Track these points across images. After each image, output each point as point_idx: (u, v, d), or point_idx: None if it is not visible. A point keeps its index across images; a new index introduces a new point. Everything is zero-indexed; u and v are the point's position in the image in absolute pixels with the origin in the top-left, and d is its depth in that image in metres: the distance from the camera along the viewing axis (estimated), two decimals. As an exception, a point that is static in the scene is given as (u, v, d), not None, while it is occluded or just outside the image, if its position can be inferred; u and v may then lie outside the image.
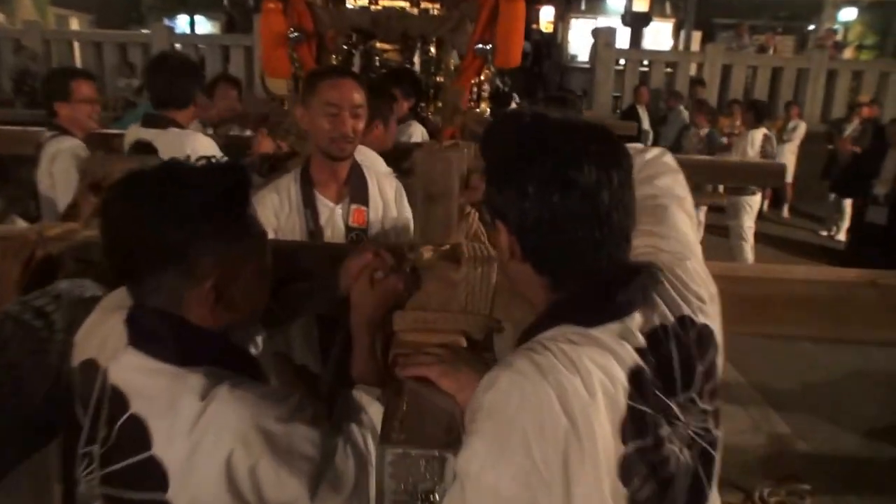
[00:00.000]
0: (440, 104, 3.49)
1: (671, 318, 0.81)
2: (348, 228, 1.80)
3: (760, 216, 8.14)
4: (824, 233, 7.44)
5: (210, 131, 3.35)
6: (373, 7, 3.49)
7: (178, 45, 9.34)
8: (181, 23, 14.69)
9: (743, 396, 3.56)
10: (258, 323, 1.11)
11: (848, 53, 12.77)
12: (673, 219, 0.97)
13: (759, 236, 6.95)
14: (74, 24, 14.01)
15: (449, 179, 1.22)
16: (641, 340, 0.78)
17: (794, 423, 3.33)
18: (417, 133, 3.15)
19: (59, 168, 2.44)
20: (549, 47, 11.36)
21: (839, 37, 13.24)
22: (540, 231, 0.80)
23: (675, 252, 0.91)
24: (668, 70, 9.67)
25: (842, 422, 3.32)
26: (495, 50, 3.10)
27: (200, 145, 2.32)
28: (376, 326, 1.14)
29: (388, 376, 1.15)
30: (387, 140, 2.67)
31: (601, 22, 13.57)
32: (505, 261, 0.89)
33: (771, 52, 11.32)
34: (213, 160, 0.97)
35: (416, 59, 3.54)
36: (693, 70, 9.47)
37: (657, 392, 0.76)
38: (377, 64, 3.53)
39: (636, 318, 0.79)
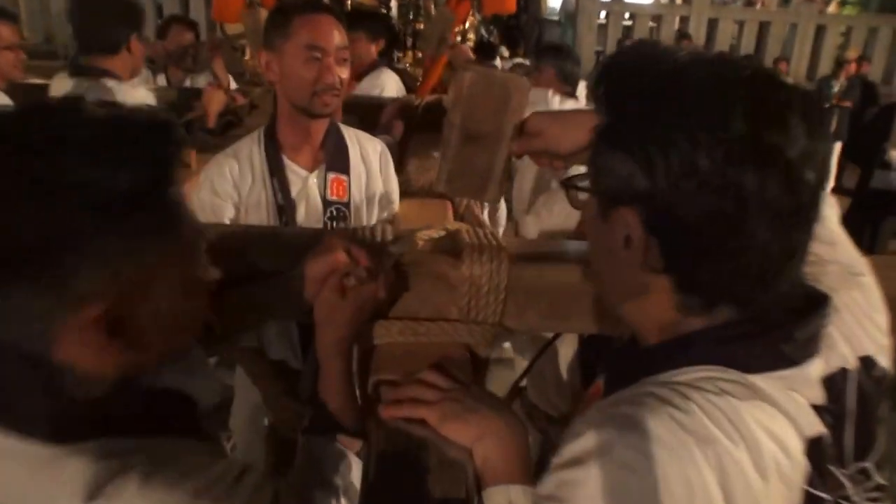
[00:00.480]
0: (419, 54, 3.13)
1: (852, 360, 0.57)
2: (326, 203, 1.47)
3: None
4: None
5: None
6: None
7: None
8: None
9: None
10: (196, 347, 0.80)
11: (832, 8, 12.50)
12: (830, 219, 0.68)
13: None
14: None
15: (503, 116, 0.89)
16: (820, 394, 0.53)
17: None
18: (391, 83, 2.76)
19: None
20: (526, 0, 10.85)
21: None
22: (704, 229, 0.51)
23: (846, 264, 0.64)
24: (652, 24, 9.31)
25: None
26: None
27: (138, 100, 1.96)
28: (350, 348, 0.84)
29: (366, 412, 0.86)
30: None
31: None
32: (607, 264, 0.63)
33: (758, 6, 10.99)
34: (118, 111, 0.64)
35: (393, 2, 3.15)
36: (677, 24, 9.14)
37: (831, 466, 0.53)
38: (347, 6, 3.13)
39: (815, 363, 0.54)
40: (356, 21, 2.78)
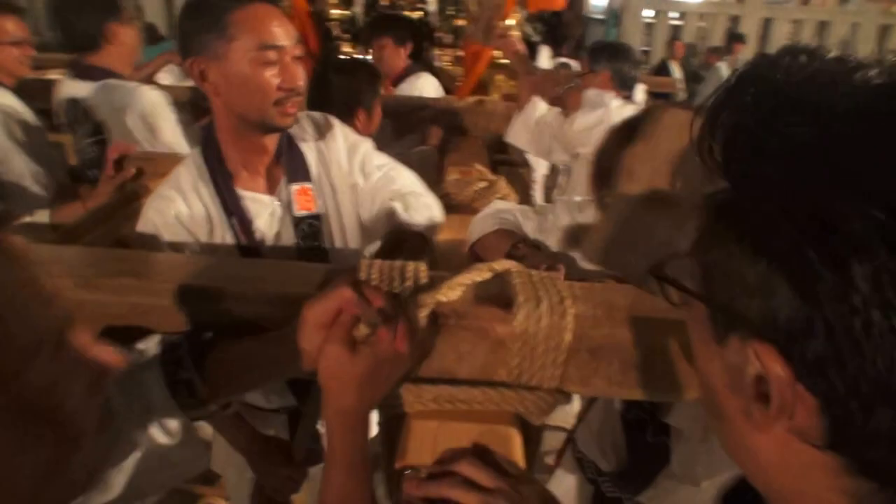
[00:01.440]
0: (459, 52, 2.96)
1: None
2: (295, 222, 1.19)
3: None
4: None
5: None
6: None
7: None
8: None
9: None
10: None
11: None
12: None
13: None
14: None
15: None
16: None
17: None
18: (429, 87, 2.57)
19: None
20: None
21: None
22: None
23: None
24: (701, 24, 8.95)
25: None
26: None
27: (146, 103, 1.80)
28: (365, 421, 0.67)
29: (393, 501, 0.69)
30: (369, 132, 1.91)
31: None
32: (718, 399, 0.42)
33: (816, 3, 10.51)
34: None
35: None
36: (726, 24, 8.78)
37: None
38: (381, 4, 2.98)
39: None
40: (380, 26, 2.62)
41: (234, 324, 0.73)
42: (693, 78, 7.72)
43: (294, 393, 1.28)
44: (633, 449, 1.17)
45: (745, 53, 8.13)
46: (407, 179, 1.32)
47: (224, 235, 1.15)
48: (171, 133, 1.84)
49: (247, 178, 1.17)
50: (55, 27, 1.89)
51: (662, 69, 7.24)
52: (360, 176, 1.26)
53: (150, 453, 0.66)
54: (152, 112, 1.81)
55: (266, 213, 1.17)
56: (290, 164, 1.19)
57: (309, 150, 1.22)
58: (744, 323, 0.37)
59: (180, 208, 1.13)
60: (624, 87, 2.26)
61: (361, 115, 1.81)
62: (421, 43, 2.73)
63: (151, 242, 1.11)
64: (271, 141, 1.17)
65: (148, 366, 0.69)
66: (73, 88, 1.86)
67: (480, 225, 1.24)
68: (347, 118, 1.83)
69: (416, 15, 2.98)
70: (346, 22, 2.99)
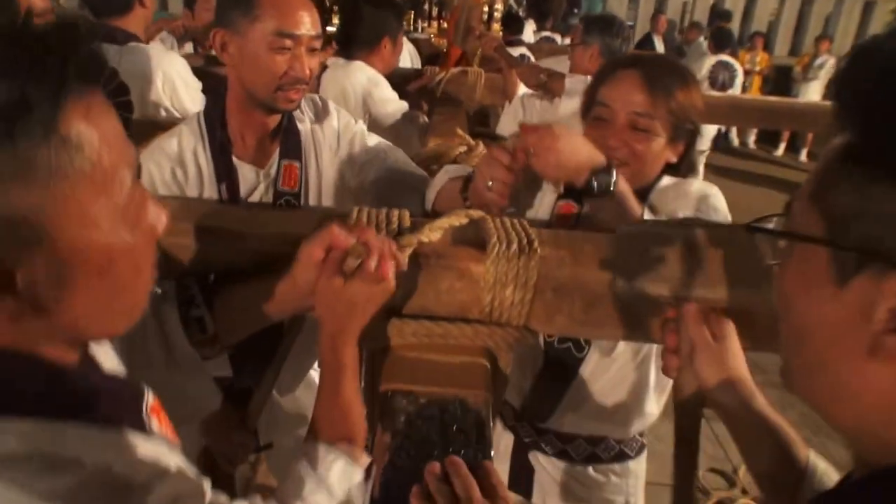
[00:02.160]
0: (444, 24, 2.98)
1: None
2: (276, 194, 1.24)
3: (774, 159, 7.76)
4: None
5: (189, 48, 2.85)
6: None
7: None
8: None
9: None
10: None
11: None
12: None
13: (769, 180, 6.60)
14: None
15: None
16: None
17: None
18: (403, 54, 2.59)
19: None
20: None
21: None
22: None
23: None
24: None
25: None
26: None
27: (172, 68, 1.85)
28: (356, 347, 0.74)
29: (373, 422, 0.77)
30: (393, 61, 2.22)
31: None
32: (830, 348, 0.46)
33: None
34: None
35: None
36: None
37: None
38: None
39: None
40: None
41: (240, 266, 0.80)
42: (677, 53, 7.77)
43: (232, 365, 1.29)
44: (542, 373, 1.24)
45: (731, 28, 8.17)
46: (399, 157, 1.36)
47: (210, 195, 1.20)
48: (190, 101, 1.88)
49: (242, 148, 1.22)
50: None
51: (646, 42, 7.28)
52: (349, 152, 1.32)
53: (168, 384, 0.73)
54: (177, 78, 1.85)
55: (252, 183, 1.22)
56: (285, 142, 1.25)
57: (305, 130, 1.28)
58: (882, 258, 0.41)
59: (177, 166, 1.18)
60: None
61: (387, 43, 2.06)
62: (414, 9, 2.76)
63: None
64: (273, 120, 1.22)
65: (166, 303, 0.76)
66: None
67: (436, 183, 1.22)
68: (375, 47, 2.07)
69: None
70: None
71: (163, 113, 1.85)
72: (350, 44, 2.12)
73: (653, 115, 1.05)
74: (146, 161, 1.16)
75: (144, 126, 1.65)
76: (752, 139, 8.30)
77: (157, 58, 1.85)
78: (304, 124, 1.28)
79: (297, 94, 1.17)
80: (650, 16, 8.38)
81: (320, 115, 1.32)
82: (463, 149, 1.44)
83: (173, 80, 1.86)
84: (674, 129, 1.08)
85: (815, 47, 7.57)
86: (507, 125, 2.27)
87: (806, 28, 8.59)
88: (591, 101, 1.13)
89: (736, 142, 8.27)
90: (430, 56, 2.91)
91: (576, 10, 8.64)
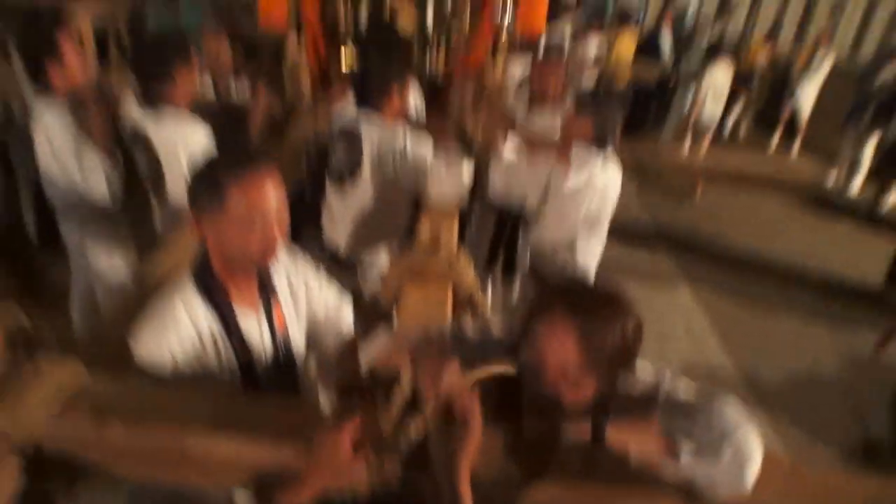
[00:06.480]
0: (448, 64, 3.02)
1: None
2: (274, 340, 1.29)
3: (767, 153, 7.60)
4: (832, 181, 6.75)
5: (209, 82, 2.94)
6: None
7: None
8: None
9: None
10: None
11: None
12: None
13: (758, 177, 6.50)
14: None
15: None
16: None
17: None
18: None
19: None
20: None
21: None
22: None
23: None
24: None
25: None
26: (516, 17, 2.59)
27: (193, 140, 2.06)
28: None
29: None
30: (403, 104, 2.28)
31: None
32: None
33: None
34: None
35: (430, 10, 3.01)
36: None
37: None
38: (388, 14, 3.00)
39: None
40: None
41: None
42: (685, 42, 7.51)
43: None
44: None
45: (736, 22, 7.88)
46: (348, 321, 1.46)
47: (222, 356, 1.22)
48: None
49: (239, 297, 1.25)
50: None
51: (652, 37, 7.07)
52: (313, 306, 1.40)
53: None
54: (197, 148, 2.06)
55: (255, 331, 1.26)
56: (270, 287, 1.30)
57: (279, 275, 1.34)
58: None
59: (182, 334, 1.17)
60: (601, 139, 2.25)
61: (397, 89, 2.16)
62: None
63: (156, 367, 1.16)
64: (254, 270, 1.26)
65: None
66: (138, 117, 2.10)
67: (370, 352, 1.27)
68: (385, 93, 2.16)
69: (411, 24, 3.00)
70: (354, 29, 3.05)
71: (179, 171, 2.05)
72: (363, 91, 2.19)
73: (585, 368, 0.96)
74: (146, 339, 1.16)
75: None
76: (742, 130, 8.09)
77: (180, 128, 2.07)
78: (279, 270, 1.34)
79: (272, 253, 1.19)
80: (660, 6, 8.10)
81: (294, 259, 1.39)
82: (443, 261, 1.54)
83: (195, 151, 2.04)
84: (606, 370, 0.99)
85: (815, 42, 7.27)
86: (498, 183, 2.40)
87: (810, 23, 8.23)
88: (525, 331, 1.02)
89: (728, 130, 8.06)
90: (433, 88, 2.95)
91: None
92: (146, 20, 4.86)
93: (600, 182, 2.25)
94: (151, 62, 2.07)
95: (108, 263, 2.46)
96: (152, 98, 2.08)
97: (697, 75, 6.27)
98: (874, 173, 6.25)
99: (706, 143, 6.33)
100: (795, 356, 3.69)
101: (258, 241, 1.15)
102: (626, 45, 6.68)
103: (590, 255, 2.40)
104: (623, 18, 6.94)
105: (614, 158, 2.30)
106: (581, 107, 2.30)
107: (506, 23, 2.64)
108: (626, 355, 0.98)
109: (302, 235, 2.16)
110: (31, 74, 2.25)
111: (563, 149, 2.23)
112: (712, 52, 6.24)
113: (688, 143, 6.31)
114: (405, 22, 2.90)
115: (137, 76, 2.11)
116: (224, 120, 2.62)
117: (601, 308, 0.97)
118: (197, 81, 2.21)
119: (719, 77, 6.10)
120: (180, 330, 1.17)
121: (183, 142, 2.05)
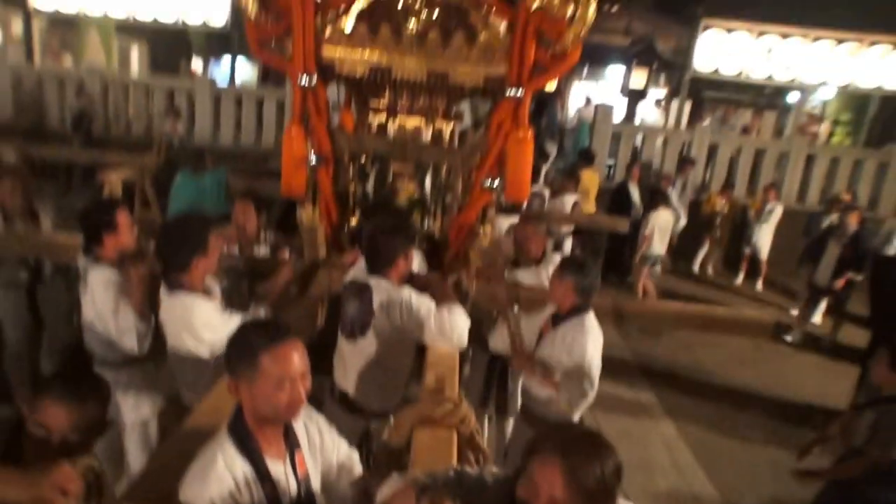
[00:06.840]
0: (445, 226, 3.46)
1: None
2: (298, 482, 1.45)
3: (734, 289, 8.11)
4: (794, 312, 7.19)
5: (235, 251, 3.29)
6: (390, 124, 3.45)
7: (218, 96, 9.47)
8: (224, 62, 14.69)
9: None
10: None
11: (824, 129, 12.75)
12: None
13: (723, 321, 6.89)
14: (135, 52, 14.47)
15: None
16: None
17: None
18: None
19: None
20: (547, 105, 10.87)
21: (816, 110, 13.25)
22: None
23: None
24: (661, 140, 9.63)
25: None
26: (504, 185, 3.06)
27: (197, 320, 2.26)
28: None
29: None
30: (406, 271, 2.56)
31: (600, 87, 13.63)
32: None
33: (754, 134, 11.35)
34: None
35: (428, 181, 3.51)
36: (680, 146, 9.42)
37: None
38: (390, 182, 3.50)
39: None
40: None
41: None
42: (650, 194, 8.26)
43: None
44: None
45: (695, 174, 8.78)
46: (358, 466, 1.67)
47: (255, 494, 1.37)
48: (193, 343, 2.29)
49: (269, 448, 1.41)
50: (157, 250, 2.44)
51: (622, 189, 7.83)
52: (327, 453, 1.58)
53: None
54: (201, 328, 2.29)
55: (283, 479, 1.42)
56: (293, 437, 1.48)
57: (300, 427, 1.52)
58: None
59: (223, 486, 1.32)
60: (584, 296, 2.62)
61: (402, 260, 2.44)
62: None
63: None
64: (282, 423, 1.45)
65: None
66: (164, 296, 2.36)
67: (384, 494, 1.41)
68: (391, 263, 2.44)
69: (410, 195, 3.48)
70: (362, 198, 3.52)
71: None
72: (372, 262, 2.51)
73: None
74: (205, 491, 1.30)
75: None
76: (710, 268, 8.69)
77: (186, 309, 2.26)
78: (299, 421, 1.52)
79: (299, 409, 1.40)
80: (628, 158, 9.04)
81: (310, 414, 1.58)
82: (449, 407, 1.77)
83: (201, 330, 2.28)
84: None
85: (764, 194, 8.08)
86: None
87: (759, 175, 9.18)
88: (519, 470, 1.22)
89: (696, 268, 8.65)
90: (433, 250, 3.34)
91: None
92: (168, 177, 5.37)
93: (584, 336, 2.56)
94: (170, 253, 2.31)
95: (136, 411, 2.66)
96: (171, 283, 2.31)
97: (643, 217, 7.00)
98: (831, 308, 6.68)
99: (647, 273, 6.93)
100: (777, 483, 3.79)
101: (286, 400, 1.34)
102: (591, 179, 7.51)
103: (580, 399, 2.61)
104: (587, 159, 7.85)
105: (595, 310, 2.64)
106: (564, 269, 2.65)
107: (494, 189, 3.10)
108: (606, 492, 1.15)
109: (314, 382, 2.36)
110: (87, 243, 2.61)
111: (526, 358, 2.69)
112: (655, 197, 7.06)
113: (643, 274, 6.91)
114: (406, 192, 3.38)
115: (160, 260, 2.38)
116: (248, 276, 2.95)
117: (586, 448, 1.15)
118: (217, 259, 2.43)
119: (662, 218, 6.89)
120: (222, 483, 1.33)
121: (187, 328, 2.26)
